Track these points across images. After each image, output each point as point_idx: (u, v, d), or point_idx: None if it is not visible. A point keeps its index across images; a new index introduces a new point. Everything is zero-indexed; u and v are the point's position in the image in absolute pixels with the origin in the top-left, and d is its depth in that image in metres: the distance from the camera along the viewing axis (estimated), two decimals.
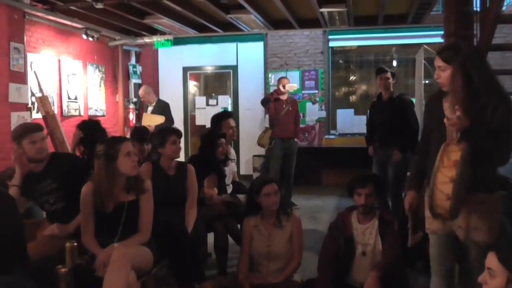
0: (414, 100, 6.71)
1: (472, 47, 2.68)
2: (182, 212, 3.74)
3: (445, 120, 2.43)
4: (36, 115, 6.35)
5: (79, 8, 6.50)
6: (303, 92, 9.23)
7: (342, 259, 3.33)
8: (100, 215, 3.05)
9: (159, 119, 7.43)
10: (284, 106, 6.75)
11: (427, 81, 8.16)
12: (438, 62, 2.61)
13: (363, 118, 5.80)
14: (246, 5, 6.40)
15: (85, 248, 3.01)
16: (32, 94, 6.44)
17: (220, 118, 4.97)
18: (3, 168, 4.71)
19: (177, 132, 3.93)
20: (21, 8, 6.10)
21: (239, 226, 4.15)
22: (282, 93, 6.77)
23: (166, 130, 4.05)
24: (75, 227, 3.26)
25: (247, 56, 9.55)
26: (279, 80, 6.92)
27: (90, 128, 4.16)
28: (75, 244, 2.75)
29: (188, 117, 9.95)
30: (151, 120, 7.46)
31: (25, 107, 6.27)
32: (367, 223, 3.32)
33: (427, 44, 7.09)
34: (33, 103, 6.46)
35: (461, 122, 2.40)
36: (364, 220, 3.33)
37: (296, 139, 6.94)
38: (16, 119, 5.92)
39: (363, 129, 5.85)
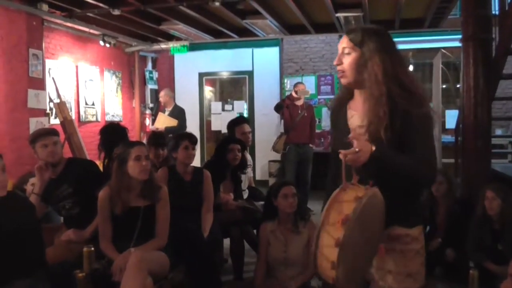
0: (431, 105, 6.66)
1: (389, 36, 2.01)
2: (198, 217, 3.73)
3: (340, 154, 1.77)
4: (54, 121, 6.42)
5: (97, 14, 6.57)
6: (319, 97, 9.20)
7: None
8: (117, 220, 3.07)
9: (172, 122, 7.47)
10: (299, 111, 6.72)
11: (444, 86, 8.08)
12: (343, 43, 1.98)
13: None
14: (262, 10, 6.41)
15: (102, 253, 3.03)
16: (50, 100, 6.51)
17: (234, 124, 4.96)
18: (22, 173, 4.75)
19: (190, 138, 3.92)
20: (39, 15, 6.18)
21: (255, 231, 4.14)
22: (295, 99, 6.75)
23: (181, 135, 4.06)
24: (91, 232, 3.28)
25: (263, 62, 9.55)
26: (295, 86, 6.91)
27: (108, 132, 4.18)
28: (92, 249, 2.76)
29: (204, 122, 9.98)
30: (164, 122, 7.50)
31: (44, 113, 6.34)
32: None
33: (444, 48, 7.03)
34: (51, 109, 6.54)
35: (362, 150, 1.77)
36: None
37: (311, 145, 6.91)
38: (35, 124, 5.99)
39: None
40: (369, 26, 2.02)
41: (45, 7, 6.09)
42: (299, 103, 6.77)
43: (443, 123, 7.74)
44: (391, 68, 1.89)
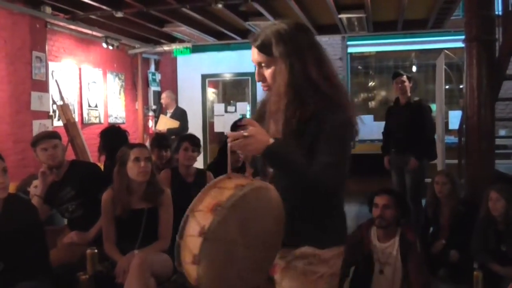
0: (434, 106, 6.64)
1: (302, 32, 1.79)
2: None
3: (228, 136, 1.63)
4: (58, 123, 6.43)
5: (99, 17, 6.58)
6: None
7: (359, 275, 3.28)
8: (120, 222, 3.07)
9: (174, 124, 7.47)
10: None
11: (448, 86, 8.06)
12: (256, 56, 1.78)
13: (383, 124, 5.74)
14: (264, 12, 6.41)
15: (105, 255, 3.03)
16: (54, 102, 6.53)
17: (236, 125, 4.96)
18: (25, 175, 4.77)
19: (191, 139, 3.91)
20: (43, 18, 6.20)
21: None
22: None
23: (182, 137, 4.07)
24: (94, 234, 3.29)
25: None
26: None
27: (109, 135, 4.19)
28: (96, 251, 2.77)
29: (207, 124, 9.98)
30: (166, 123, 7.51)
31: (47, 115, 6.36)
32: (387, 242, 3.24)
33: (447, 49, 7.01)
34: (54, 111, 6.55)
35: (254, 137, 1.58)
36: (384, 239, 3.25)
37: None
38: (38, 127, 6.00)
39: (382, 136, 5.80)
40: (274, 27, 1.77)
41: (48, 9, 6.11)
42: None
43: (446, 123, 7.70)
44: (302, 70, 1.70)
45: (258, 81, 1.83)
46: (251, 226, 1.52)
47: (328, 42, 9.18)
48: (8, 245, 2.46)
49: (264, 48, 1.74)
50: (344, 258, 3.27)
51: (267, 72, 1.77)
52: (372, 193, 3.36)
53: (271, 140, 1.60)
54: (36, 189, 3.42)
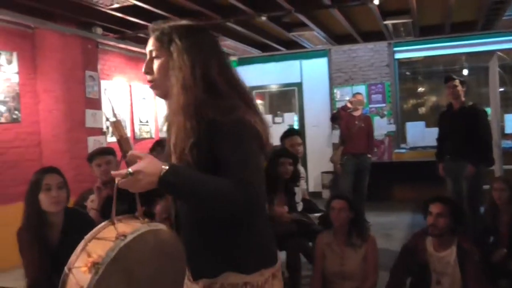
0: (489, 110, 6.42)
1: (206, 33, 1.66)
2: None
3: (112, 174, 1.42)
4: (111, 139, 6.63)
5: (147, 34, 6.75)
6: (370, 106, 9.06)
7: (416, 287, 3.19)
8: None
9: None
10: (356, 122, 6.64)
11: (502, 89, 7.79)
12: (150, 45, 1.63)
13: (435, 131, 5.59)
14: (308, 22, 6.41)
15: None
16: (107, 119, 6.74)
17: (283, 136, 4.96)
18: (82, 190, 4.92)
19: None
20: (94, 39, 6.43)
21: (310, 244, 4.10)
22: (352, 109, 6.70)
23: None
24: None
25: (312, 73, 9.52)
26: (353, 96, 6.92)
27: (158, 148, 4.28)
28: None
29: None
30: None
31: (100, 132, 6.57)
32: (443, 252, 3.13)
33: (500, 50, 6.78)
34: (107, 128, 6.76)
35: (142, 172, 1.37)
36: (440, 248, 3.15)
37: (369, 155, 6.79)
38: (93, 143, 6.20)
39: (435, 142, 5.65)
40: (179, 22, 1.64)
41: (99, 30, 6.34)
42: (356, 113, 6.70)
43: (502, 127, 7.44)
44: (201, 70, 1.54)
45: (144, 73, 1.64)
46: (141, 274, 1.40)
47: (374, 49, 9.07)
48: (69, 256, 2.54)
49: (162, 37, 1.58)
50: (400, 267, 3.22)
51: (155, 63, 1.60)
52: (427, 200, 3.27)
53: (164, 168, 1.38)
54: (92, 203, 3.53)
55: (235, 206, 1.42)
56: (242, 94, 1.60)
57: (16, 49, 5.73)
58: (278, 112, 10.01)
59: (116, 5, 5.22)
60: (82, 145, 6.14)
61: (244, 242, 1.54)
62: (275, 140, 5.84)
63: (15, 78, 5.69)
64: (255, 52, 8.33)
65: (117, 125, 5.43)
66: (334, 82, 9.35)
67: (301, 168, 4.79)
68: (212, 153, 1.48)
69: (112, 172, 1.40)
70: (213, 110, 1.48)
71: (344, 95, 9.00)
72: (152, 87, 1.65)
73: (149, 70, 1.62)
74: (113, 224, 1.42)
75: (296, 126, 9.35)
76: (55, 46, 5.94)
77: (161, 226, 1.47)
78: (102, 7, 5.24)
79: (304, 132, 9.18)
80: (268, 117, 9.78)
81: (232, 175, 1.43)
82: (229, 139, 1.46)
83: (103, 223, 1.45)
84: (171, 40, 1.56)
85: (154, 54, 1.60)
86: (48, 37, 5.94)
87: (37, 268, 2.61)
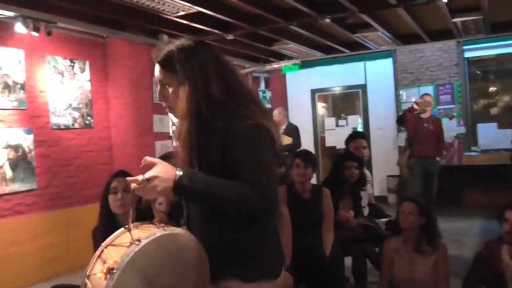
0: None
1: (207, 44, 1.78)
2: (319, 235, 3.71)
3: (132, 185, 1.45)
4: (177, 143, 6.79)
5: (211, 40, 6.88)
6: (438, 107, 8.76)
7: None
8: None
9: (287, 140, 7.54)
10: (424, 124, 6.44)
11: None
12: (157, 73, 1.69)
13: (509, 132, 5.30)
14: (372, 22, 6.29)
15: None
16: (173, 124, 6.91)
17: (348, 139, 4.89)
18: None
19: (302, 155, 3.89)
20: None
21: (377, 249, 4.02)
22: (415, 110, 6.50)
23: (296, 153, 4.08)
24: None
25: (376, 74, 9.34)
26: (420, 97, 6.73)
27: None
28: None
29: (318, 138, 9.96)
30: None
31: (167, 136, 6.75)
32: None
33: None
34: (173, 132, 6.93)
35: (158, 178, 1.42)
36: None
37: (438, 158, 6.56)
38: (160, 147, 6.38)
39: (510, 145, 5.37)
40: (177, 42, 1.70)
41: (165, 37, 6.50)
42: (425, 115, 6.50)
43: None
44: (204, 90, 1.58)
45: (160, 101, 1.71)
46: (160, 282, 1.39)
47: (442, 48, 8.77)
48: None
49: (167, 65, 1.65)
50: (473, 277, 3.07)
51: (169, 91, 1.66)
52: (503, 206, 3.11)
53: (179, 174, 1.42)
54: (160, 205, 3.62)
55: (251, 208, 1.44)
56: (250, 101, 1.63)
57: (89, 58, 6.00)
58: (342, 115, 9.89)
59: (181, 13, 5.34)
60: (150, 150, 6.32)
61: (249, 249, 1.56)
62: (339, 143, 5.82)
63: (88, 86, 5.96)
64: (318, 55, 8.27)
65: None
66: (399, 83, 9.12)
67: (367, 172, 4.70)
68: (223, 162, 1.50)
69: (128, 178, 1.44)
70: (222, 120, 1.52)
71: (410, 97, 8.76)
72: (171, 112, 1.69)
73: (163, 98, 1.68)
74: (129, 230, 1.43)
75: (360, 129, 9.20)
76: (125, 54, 6.17)
77: (178, 230, 1.47)
78: (168, 15, 5.38)
79: (369, 135, 9.01)
80: (332, 120, 9.70)
81: (247, 178, 1.44)
82: (244, 144, 1.49)
83: (119, 230, 1.47)
84: (175, 67, 1.62)
85: (164, 82, 1.66)
86: (119, 46, 6.17)
87: None
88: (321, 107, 10.31)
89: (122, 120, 6.21)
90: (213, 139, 1.53)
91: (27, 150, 5.07)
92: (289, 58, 8.60)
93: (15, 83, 4.99)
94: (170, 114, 5.61)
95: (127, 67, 6.18)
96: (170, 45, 1.68)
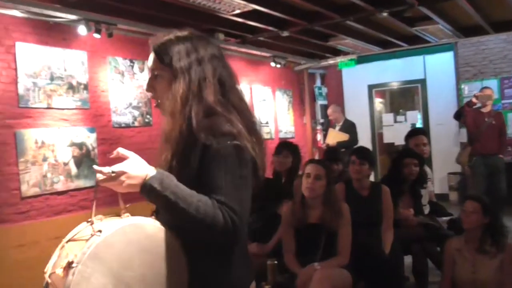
0: None
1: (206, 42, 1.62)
2: (378, 233, 3.64)
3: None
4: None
5: (267, 38, 6.89)
6: (502, 101, 8.37)
7: None
8: (299, 235, 3.15)
9: (343, 137, 7.46)
10: (485, 119, 6.17)
11: None
12: (151, 62, 1.58)
13: None
14: (432, 15, 6.10)
15: (284, 267, 3.12)
16: None
17: (407, 136, 4.77)
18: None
19: (357, 152, 3.86)
20: (217, 44, 6.69)
21: (438, 249, 3.91)
22: (474, 104, 6.25)
23: (352, 150, 4.04)
24: (273, 246, 3.41)
25: (436, 68, 9.06)
26: (480, 91, 6.45)
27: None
28: (276, 262, 2.86)
29: (376, 135, 9.78)
30: (335, 137, 7.56)
31: None
32: None
33: None
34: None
35: (127, 175, 1.35)
36: None
37: (501, 155, 6.27)
38: None
39: None
40: (178, 34, 1.58)
41: (221, 36, 6.58)
42: (486, 110, 6.23)
43: None
44: (197, 82, 1.48)
45: (147, 91, 1.59)
46: (128, 273, 1.28)
47: (507, 40, 8.39)
48: None
49: (163, 55, 1.52)
50: None
51: (159, 84, 1.54)
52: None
53: (151, 174, 1.35)
54: None
55: (213, 231, 1.33)
56: (242, 112, 1.54)
57: (147, 58, 6.14)
58: (400, 111, 9.66)
59: (237, 11, 5.38)
60: None
61: (214, 272, 1.45)
62: (397, 139, 5.72)
63: None
64: (375, 49, 8.11)
65: None
66: (461, 77, 8.80)
67: (427, 169, 4.57)
68: (199, 175, 1.40)
69: (94, 168, 1.35)
70: (207, 134, 1.41)
71: (473, 91, 8.40)
72: (157, 106, 1.59)
73: (152, 90, 1.57)
74: (92, 224, 1.34)
75: (419, 125, 8.96)
76: None
77: (146, 220, 1.37)
78: (224, 14, 5.43)
79: (429, 131, 8.75)
80: (390, 116, 9.50)
81: (219, 200, 1.35)
82: (223, 165, 1.38)
83: (80, 225, 1.38)
84: (170, 60, 1.50)
85: (156, 72, 1.55)
86: None
87: None
88: (378, 102, 10.12)
89: None
90: (195, 147, 1.42)
91: (90, 147, 5.27)
92: (345, 53, 8.48)
93: (79, 84, 5.19)
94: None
95: None
96: (171, 35, 1.58)
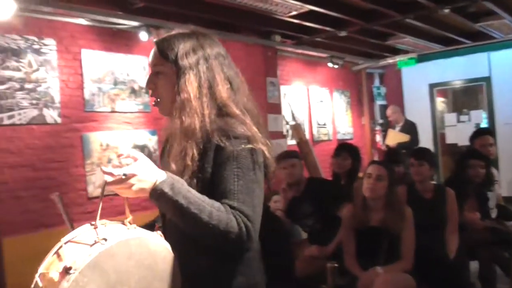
0: None
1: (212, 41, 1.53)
2: (442, 237, 3.52)
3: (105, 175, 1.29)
4: (291, 142, 6.85)
5: (324, 38, 6.83)
6: None
7: None
8: (360, 237, 3.10)
9: (403, 137, 7.29)
10: None
11: None
12: (152, 57, 1.50)
13: None
14: (497, 10, 5.85)
15: (344, 269, 3.08)
16: (286, 123, 6.98)
17: (473, 136, 4.60)
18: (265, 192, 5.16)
19: (414, 153, 3.76)
20: (273, 46, 6.71)
21: (507, 255, 3.74)
22: None
23: (410, 152, 3.95)
24: (333, 248, 3.38)
25: (502, 65, 8.66)
26: None
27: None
28: (336, 265, 2.83)
29: (437, 135, 9.48)
30: (395, 138, 7.40)
31: (281, 135, 6.83)
32: None
33: None
34: (287, 131, 7.00)
35: (138, 179, 1.29)
36: None
37: None
38: (275, 146, 6.43)
39: None
40: (184, 31, 1.52)
41: (277, 38, 6.59)
42: None
43: None
44: (208, 90, 1.42)
45: (148, 89, 1.52)
46: (125, 287, 1.22)
47: None
48: None
49: (166, 50, 1.45)
50: None
51: (161, 81, 1.47)
52: None
53: (162, 177, 1.28)
54: (276, 204, 3.69)
55: (227, 237, 1.29)
56: (250, 112, 1.51)
57: None
58: (464, 110, 9.31)
59: (293, 12, 5.37)
60: None
61: (226, 277, 1.40)
62: (461, 140, 5.53)
63: None
64: (437, 48, 7.87)
65: (297, 128, 5.75)
66: None
67: (494, 171, 4.38)
68: (212, 178, 1.36)
69: (103, 169, 1.29)
70: (220, 135, 1.36)
71: None
72: (156, 104, 1.52)
73: (152, 87, 1.51)
74: (95, 228, 1.27)
75: (484, 125, 8.61)
76: (239, 55, 6.34)
77: (151, 235, 1.31)
78: (281, 16, 5.44)
79: (495, 131, 8.38)
80: (452, 116, 9.18)
81: (233, 206, 1.31)
82: (238, 169, 1.34)
83: (83, 226, 1.31)
84: (176, 57, 1.44)
85: (157, 69, 1.49)
86: (233, 48, 6.35)
87: None
88: (440, 102, 9.80)
89: None
90: (208, 151, 1.38)
91: (152, 150, 5.41)
92: (405, 52, 8.28)
93: (141, 88, 5.34)
94: (283, 113, 5.58)
95: (242, 68, 6.23)
96: (175, 31, 1.54)
